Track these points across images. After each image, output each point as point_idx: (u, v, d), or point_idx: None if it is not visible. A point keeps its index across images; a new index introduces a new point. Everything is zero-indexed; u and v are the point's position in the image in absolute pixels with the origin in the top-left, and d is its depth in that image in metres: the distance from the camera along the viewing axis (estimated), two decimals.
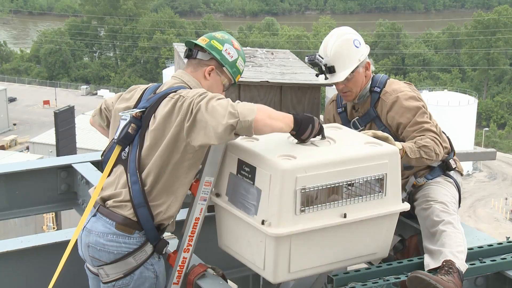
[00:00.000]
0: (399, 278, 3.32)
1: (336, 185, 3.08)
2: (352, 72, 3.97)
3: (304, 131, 3.14)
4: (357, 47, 3.99)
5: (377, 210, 3.21)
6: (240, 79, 4.32)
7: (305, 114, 3.17)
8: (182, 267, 3.38)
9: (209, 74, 3.33)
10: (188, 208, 3.37)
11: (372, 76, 4.12)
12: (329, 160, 3.07)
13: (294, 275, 3.15)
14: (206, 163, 3.28)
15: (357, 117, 4.20)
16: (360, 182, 3.15)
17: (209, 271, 3.41)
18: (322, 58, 3.97)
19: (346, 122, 4.26)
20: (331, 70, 3.97)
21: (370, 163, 3.15)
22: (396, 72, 66.15)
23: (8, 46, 78.59)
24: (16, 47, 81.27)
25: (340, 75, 3.97)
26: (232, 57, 3.35)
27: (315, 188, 3.02)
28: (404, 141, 3.92)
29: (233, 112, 2.94)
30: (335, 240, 3.17)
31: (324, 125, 3.35)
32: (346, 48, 3.96)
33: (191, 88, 3.24)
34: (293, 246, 3.04)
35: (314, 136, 3.21)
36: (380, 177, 3.17)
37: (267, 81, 4.41)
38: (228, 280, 3.49)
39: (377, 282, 3.22)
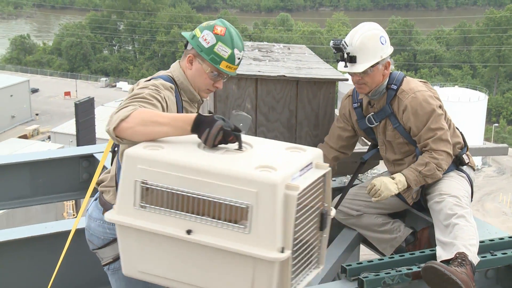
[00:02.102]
0: (411, 269, 3.31)
1: (183, 193, 2.50)
2: (372, 66, 3.96)
3: (200, 134, 2.64)
4: (382, 44, 3.98)
5: (231, 244, 2.44)
6: (258, 74, 4.34)
7: (214, 116, 2.67)
8: None
9: (191, 63, 3.18)
10: None
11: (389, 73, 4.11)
12: (181, 163, 2.51)
13: (143, 275, 2.71)
14: None
15: (373, 113, 4.18)
16: (215, 202, 2.46)
17: None
18: (347, 46, 3.96)
19: (361, 118, 4.25)
20: (352, 59, 3.96)
21: (233, 185, 2.41)
22: (407, 68, 65.78)
23: (31, 39, 78.91)
24: (39, 40, 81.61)
25: (360, 67, 3.95)
26: (208, 43, 3.10)
27: (157, 187, 2.54)
28: (416, 142, 3.96)
29: (109, 120, 2.77)
30: (185, 257, 2.58)
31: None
32: (371, 42, 3.95)
33: (172, 78, 3.18)
34: (136, 242, 2.65)
35: (225, 143, 2.65)
36: (242, 206, 2.40)
37: (284, 76, 4.39)
38: None
39: (390, 273, 3.21)
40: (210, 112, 2.70)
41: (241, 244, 2.41)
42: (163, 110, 2.96)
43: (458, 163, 4.12)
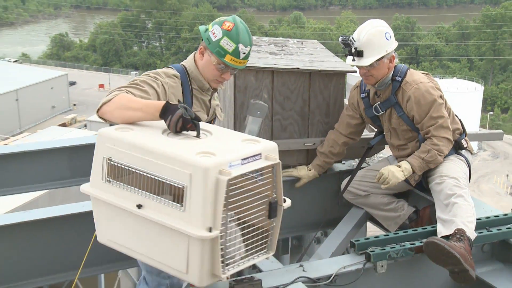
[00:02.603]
0: (414, 244, 3.29)
1: (135, 171, 2.57)
2: (378, 60, 3.93)
3: (165, 120, 2.68)
4: (387, 40, 3.94)
5: (169, 220, 2.49)
6: (274, 66, 4.32)
7: (178, 105, 2.68)
8: None
9: (202, 55, 3.16)
10: None
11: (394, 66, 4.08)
12: (138, 144, 2.56)
13: (111, 243, 2.77)
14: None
15: (379, 102, 4.17)
16: (161, 181, 2.51)
17: None
18: (354, 42, 3.93)
19: (368, 106, 4.24)
20: (359, 54, 3.94)
21: (174, 166, 2.46)
22: (410, 62, 65.13)
23: (69, 36, 79.15)
24: (76, 37, 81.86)
25: (366, 61, 3.93)
26: (215, 37, 3.06)
27: (120, 165, 2.61)
28: (418, 129, 3.92)
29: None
30: (138, 230, 2.62)
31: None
32: (377, 38, 3.92)
33: (185, 67, 3.18)
34: (104, 212, 2.72)
35: (186, 130, 2.67)
36: (178, 186, 2.45)
37: (297, 68, 4.36)
38: None
39: (394, 247, 3.19)
40: (179, 102, 2.73)
41: (178, 221, 2.44)
42: (158, 95, 2.97)
43: (457, 147, 4.08)
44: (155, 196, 2.52)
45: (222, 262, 2.49)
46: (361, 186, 4.34)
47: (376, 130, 4.47)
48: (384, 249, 3.17)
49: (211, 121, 3.33)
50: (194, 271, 2.49)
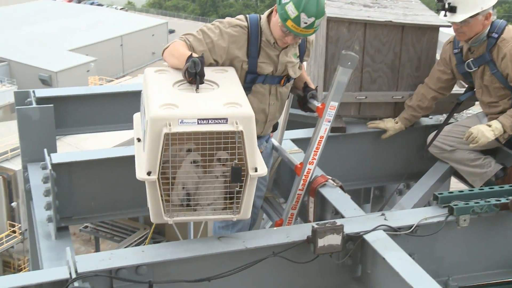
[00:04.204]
0: (500, 200, 3.16)
1: (142, 107, 2.96)
2: (471, 17, 3.72)
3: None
4: None
5: (137, 160, 2.79)
6: (367, 19, 4.20)
7: (191, 58, 2.81)
8: (306, 177, 3.40)
9: (276, 12, 3.13)
10: (314, 128, 3.36)
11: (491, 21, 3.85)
12: (148, 84, 2.88)
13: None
14: (332, 90, 3.22)
15: (472, 59, 4.00)
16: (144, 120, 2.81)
17: (329, 182, 3.42)
18: None
19: (461, 62, 4.07)
20: (452, 9, 3.75)
21: (147, 110, 2.71)
22: (507, 20, 61.32)
23: None
24: None
25: (459, 17, 3.74)
26: (285, 0, 3.05)
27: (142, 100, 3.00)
28: None
29: None
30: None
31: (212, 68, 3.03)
32: None
33: (260, 19, 3.20)
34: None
35: (193, 78, 2.80)
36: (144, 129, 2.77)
37: (391, 21, 4.22)
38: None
39: (479, 202, 3.08)
40: (201, 56, 2.88)
41: (139, 161, 2.73)
42: (213, 44, 3.08)
43: None
44: (141, 136, 2.86)
45: (167, 206, 2.68)
46: (447, 140, 4.21)
47: (466, 85, 4.30)
48: (468, 204, 3.07)
49: (283, 77, 3.30)
50: (149, 208, 2.72)
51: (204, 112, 2.59)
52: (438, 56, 4.38)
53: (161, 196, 2.65)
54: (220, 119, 2.57)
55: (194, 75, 2.79)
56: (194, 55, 2.90)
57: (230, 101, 2.70)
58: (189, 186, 2.75)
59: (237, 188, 2.71)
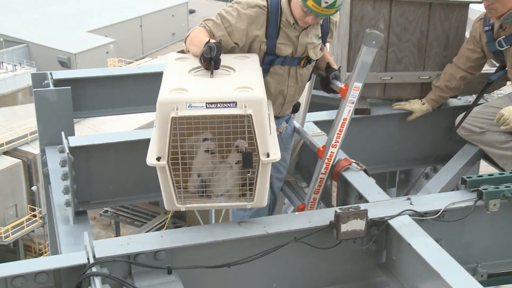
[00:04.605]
0: None
1: None
2: None
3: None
4: None
5: (151, 145, 2.83)
6: None
7: (207, 44, 2.83)
8: (329, 160, 3.38)
9: None
10: (337, 110, 3.32)
11: None
12: (166, 70, 2.91)
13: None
14: (355, 71, 3.18)
15: (504, 37, 3.91)
16: None
17: (353, 165, 3.39)
18: None
19: (491, 40, 3.99)
20: None
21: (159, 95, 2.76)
22: None
23: None
24: None
25: None
26: None
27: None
28: None
29: None
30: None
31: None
32: None
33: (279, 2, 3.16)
34: None
35: (209, 63, 2.83)
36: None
37: None
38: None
39: (510, 186, 3.02)
40: (219, 41, 2.94)
41: (151, 147, 2.73)
42: (231, 28, 3.08)
43: None
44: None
45: (178, 193, 2.70)
46: (476, 122, 4.14)
47: (497, 65, 4.22)
48: (498, 188, 3.01)
49: (303, 59, 3.26)
50: (163, 195, 2.73)
51: (213, 95, 2.59)
52: (467, 34, 4.30)
53: (172, 182, 2.66)
54: (229, 102, 2.56)
55: (209, 61, 2.81)
56: (212, 41, 2.92)
57: (242, 85, 2.69)
58: (204, 173, 2.76)
59: (249, 174, 2.70)
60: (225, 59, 2.92)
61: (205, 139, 2.75)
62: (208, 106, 2.55)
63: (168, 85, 2.70)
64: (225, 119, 2.62)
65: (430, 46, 4.27)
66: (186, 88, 2.64)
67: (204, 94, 2.61)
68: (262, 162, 2.63)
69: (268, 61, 3.19)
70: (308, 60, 3.28)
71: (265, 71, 3.19)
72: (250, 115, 2.54)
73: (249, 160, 2.64)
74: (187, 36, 3.12)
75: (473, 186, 3.05)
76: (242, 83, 2.71)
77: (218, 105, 2.55)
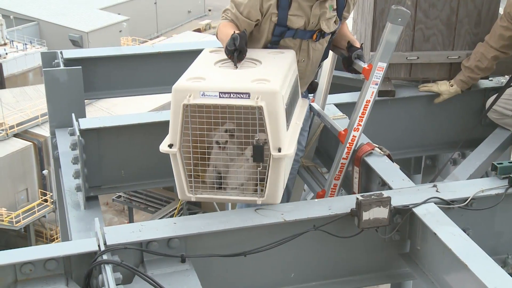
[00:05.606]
0: None
1: None
2: None
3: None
4: None
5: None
6: None
7: (232, 36, 2.92)
8: (351, 144, 3.37)
9: None
10: (360, 91, 3.30)
11: None
12: (194, 61, 3.04)
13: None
14: (380, 50, 3.15)
15: None
16: None
17: (376, 150, 3.37)
18: None
19: None
20: None
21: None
22: None
23: None
24: None
25: None
26: None
27: None
28: None
29: None
30: None
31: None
32: None
33: None
34: None
35: (233, 54, 2.91)
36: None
37: None
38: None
39: None
40: (243, 31, 3.03)
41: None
42: (247, 9, 3.14)
43: None
44: None
45: (190, 182, 2.76)
46: (509, 105, 4.12)
47: None
48: None
49: (315, 32, 3.25)
50: (175, 183, 2.81)
51: (227, 85, 2.66)
52: (501, 11, 4.24)
53: (184, 171, 2.72)
54: (242, 93, 2.61)
55: (232, 52, 2.89)
56: (237, 32, 2.98)
57: (260, 77, 2.73)
58: (218, 164, 2.81)
59: (260, 169, 2.71)
60: (258, 53, 3.02)
61: (226, 130, 2.81)
62: (221, 96, 2.61)
63: (188, 74, 2.79)
64: (244, 109, 2.66)
65: (460, 24, 4.23)
66: (204, 77, 2.72)
67: (219, 83, 2.68)
68: (273, 156, 2.64)
69: (279, 33, 3.21)
70: (321, 33, 3.26)
71: (275, 43, 3.23)
72: (261, 106, 2.57)
73: (259, 153, 2.66)
74: (216, 32, 3.24)
75: (504, 172, 3.03)
76: (261, 75, 2.76)
77: (232, 95, 2.61)
